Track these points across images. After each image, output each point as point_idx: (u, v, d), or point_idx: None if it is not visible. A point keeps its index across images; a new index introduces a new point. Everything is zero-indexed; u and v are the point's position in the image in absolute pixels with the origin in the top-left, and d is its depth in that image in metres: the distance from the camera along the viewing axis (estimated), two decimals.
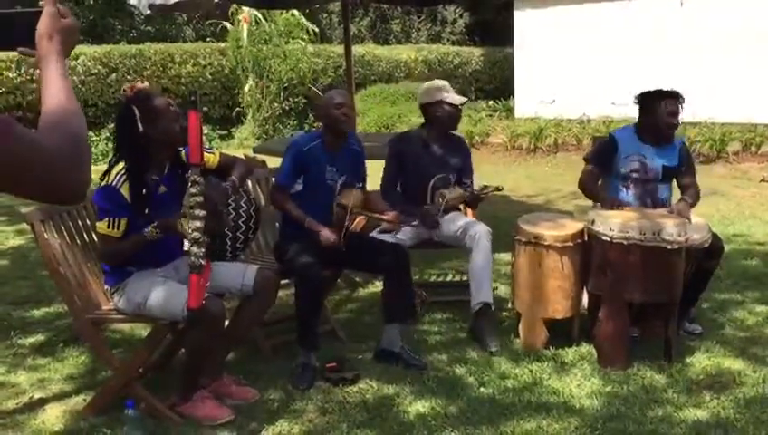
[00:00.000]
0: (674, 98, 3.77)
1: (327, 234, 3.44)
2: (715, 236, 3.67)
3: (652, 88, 3.84)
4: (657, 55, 10.26)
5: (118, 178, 2.90)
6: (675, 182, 3.98)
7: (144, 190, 2.92)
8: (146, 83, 3.04)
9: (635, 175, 3.83)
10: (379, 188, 4.12)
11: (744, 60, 9.81)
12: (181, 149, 3.03)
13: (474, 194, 4.06)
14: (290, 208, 3.55)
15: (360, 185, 3.70)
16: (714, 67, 10.02)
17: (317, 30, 12.82)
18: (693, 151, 9.05)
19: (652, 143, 3.83)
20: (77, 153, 1.11)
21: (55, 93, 1.14)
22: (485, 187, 4.07)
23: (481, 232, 3.82)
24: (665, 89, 3.82)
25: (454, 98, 4.04)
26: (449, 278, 4.89)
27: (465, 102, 4.11)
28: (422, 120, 4.18)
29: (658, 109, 3.75)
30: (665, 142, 3.83)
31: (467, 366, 3.45)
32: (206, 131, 11.59)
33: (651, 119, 3.79)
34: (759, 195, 7.15)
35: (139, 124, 2.91)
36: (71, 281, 3.04)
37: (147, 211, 2.92)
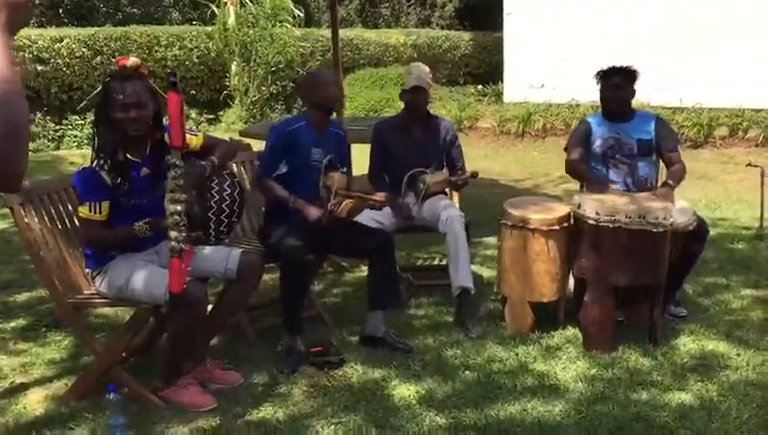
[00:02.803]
0: (617, 73, 3.86)
1: (313, 211, 3.42)
2: (700, 219, 3.67)
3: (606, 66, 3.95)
4: (645, 40, 10.23)
5: (98, 160, 2.85)
6: (659, 162, 3.98)
7: (119, 171, 2.86)
8: (131, 60, 2.94)
9: (611, 152, 3.88)
10: (366, 174, 4.09)
11: (732, 45, 9.81)
12: (165, 132, 2.98)
13: (451, 180, 4.03)
14: (274, 190, 3.51)
15: (345, 170, 3.67)
16: (701, 53, 10.01)
17: (302, 14, 12.69)
18: (681, 136, 9.07)
19: (616, 120, 3.90)
20: (9, 139, 1.04)
21: None
22: (461, 173, 4.05)
23: (452, 217, 3.80)
24: (615, 66, 3.91)
25: (410, 81, 3.97)
26: (436, 262, 4.88)
27: (419, 85, 3.94)
28: None
29: (603, 84, 3.90)
30: (619, 118, 3.90)
31: (453, 349, 3.44)
32: (192, 115, 11.48)
33: (600, 95, 3.93)
34: (746, 179, 7.16)
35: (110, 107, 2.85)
36: (51, 265, 3.00)
37: (127, 191, 2.87)
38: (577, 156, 3.93)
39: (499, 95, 12.42)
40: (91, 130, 9.90)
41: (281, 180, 3.51)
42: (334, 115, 3.86)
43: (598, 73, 3.94)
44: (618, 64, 3.91)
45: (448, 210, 3.86)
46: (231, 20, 11.58)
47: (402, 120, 4.13)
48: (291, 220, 3.44)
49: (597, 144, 3.91)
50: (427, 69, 4.09)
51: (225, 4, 11.65)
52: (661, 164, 4.00)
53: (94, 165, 2.85)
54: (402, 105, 4.15)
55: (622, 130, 3.89)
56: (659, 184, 3.85)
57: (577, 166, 3.94)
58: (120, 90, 2.83)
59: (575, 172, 3.98)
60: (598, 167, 3.92)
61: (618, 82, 3.85)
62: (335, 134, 3.68)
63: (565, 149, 4.06)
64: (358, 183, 3.77)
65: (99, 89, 2.95)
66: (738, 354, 3.35)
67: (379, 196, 3.61)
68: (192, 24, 13.72)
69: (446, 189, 4.20)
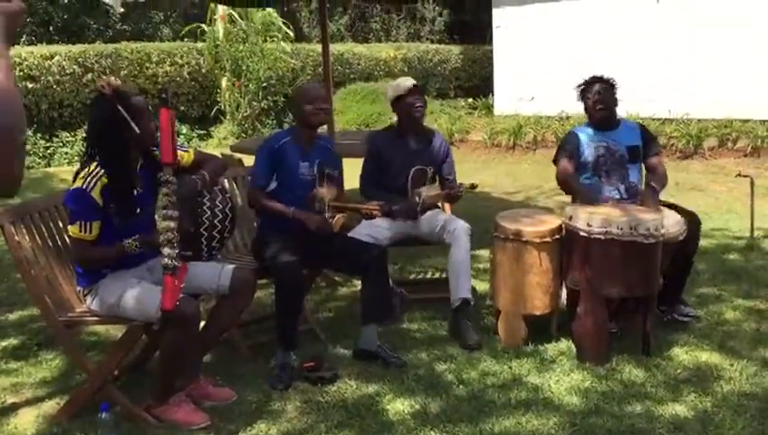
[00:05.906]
0: (599, 83, 3.95)
1: (315, 218, 3.43)
2: (691, 214, 3.71)
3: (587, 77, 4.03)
4: (634, 52, 10.33)
5: (90, 180, 2.81)
6: (643, 168, 4.02)
7: (129, 202, 2.86)
8: (118, 81, 2.95)
9: (602, 160, 3.91)
10: (358, 185, 4.09)
11: (721, 56, 9.89)
12: (155, 148, 2.97)
13: (448, 192, 4.04)
14: (271, 206, 3.52)
15: (336, 172, 3.69)
16: (690, 64, 10.09)
17: (291, 29, 12.74)
18: (671, 147, 9.14)
19: (604, 129, 3.95)
20: (4, 142, 1.04)
21: None
22: (460, 184, 4.06)
23: (460, 228, 3.81)
24: (596, 76, 4.00)
25: (402, 86, 4.01)
26: (429, 276, 4.88)
27: (413, 87, 4.01)
28: None
29: (587, 95, 3.97)
30: (606, 127, 3.95)
31: (447, 364, 3.43)
32: (184, 131, 11.47)
33: (585, 105, 3.99)
34: (736, 190, 7.21)
35: (133, 126, 2.83)
36: (42, 283, 2.98)
37: (123, 213, 2.86)
38: (567, 169, 3.95)
39: (489, 108, 12.49)
40: (81, 147, 9.98)
41: (271, 196, 3.53)
42: (324, 129, 3.87)
43: (579, 86, 4.02)
44: (599, 75, 4.00)
45: (455, 222, 3.88)
46: (221, 35, 11.59)
47: (396, 132, 4.15)
48: (284, 235, 3.44)
49: (587, 154, 3.93)
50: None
51: (216, 20, 11.68)
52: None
53: (85, 185, 2.82)
54: (394, 118, 4.17)
55: (611, 137, 3.93)
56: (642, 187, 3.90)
57: (567, 180, 3.96)
58: (141, 100, 2.92)
59: (567, 183, 3.99)
60: (589, 176, 3.94)
61: (600, 88, 3.93)
62: (322, 147, 3.70)
63: (554, 162, 4.08)
64: (350, 196, 3.79)
65: (120, 114, 2.82)
66: (731, 365, 3.36)
67: (374, 205, 3.61)
68: (183, 41, 13.73)
69: (439, 203, 4.21)
